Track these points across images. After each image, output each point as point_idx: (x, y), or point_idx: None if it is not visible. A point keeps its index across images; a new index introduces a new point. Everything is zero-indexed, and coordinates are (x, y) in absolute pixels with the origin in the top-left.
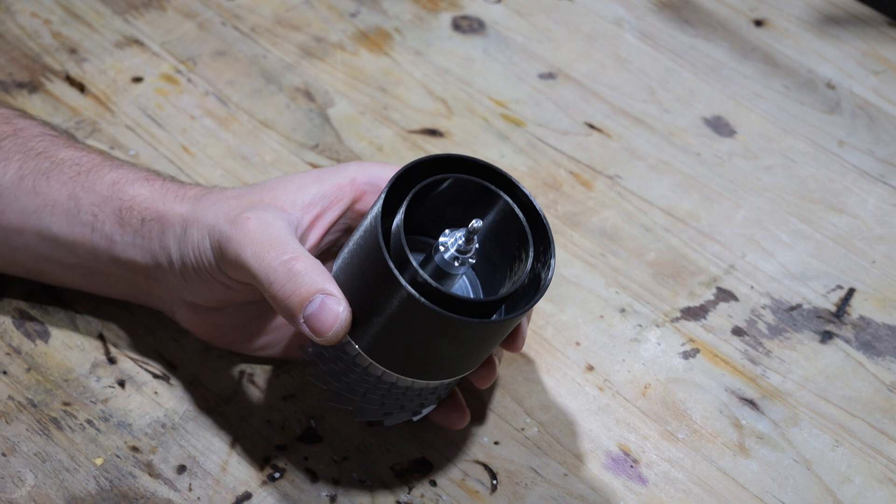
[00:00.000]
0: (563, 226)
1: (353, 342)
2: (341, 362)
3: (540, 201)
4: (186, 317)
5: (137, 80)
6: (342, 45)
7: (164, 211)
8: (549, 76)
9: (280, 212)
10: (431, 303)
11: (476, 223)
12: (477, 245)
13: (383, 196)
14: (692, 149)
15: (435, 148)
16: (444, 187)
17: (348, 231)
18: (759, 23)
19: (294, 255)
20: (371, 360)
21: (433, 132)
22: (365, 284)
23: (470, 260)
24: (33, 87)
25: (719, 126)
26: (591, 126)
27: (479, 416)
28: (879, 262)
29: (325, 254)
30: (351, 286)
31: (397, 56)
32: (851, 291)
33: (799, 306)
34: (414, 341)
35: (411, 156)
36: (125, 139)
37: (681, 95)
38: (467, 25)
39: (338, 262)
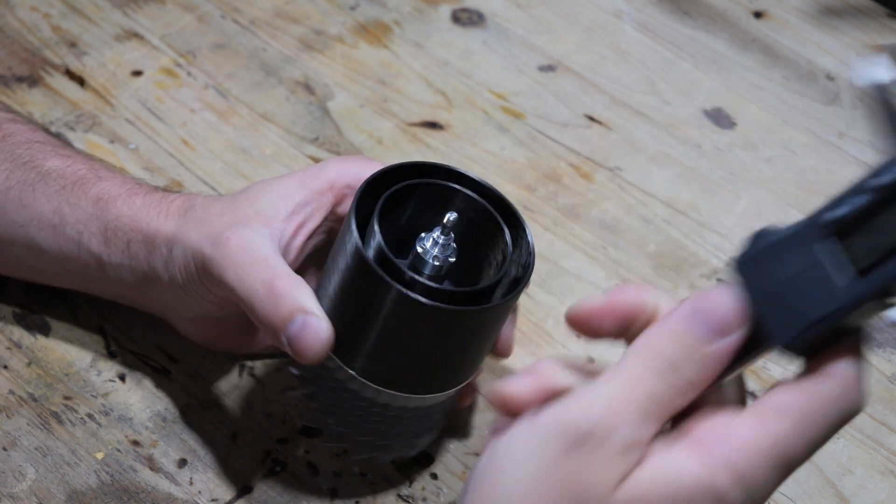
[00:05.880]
0: (563, 218)
1: (341, 364)
2: (331, 392)
3: (540, 193)
4: (183, 326)
5: (137, 73)
6: (342, 38)
7: (148, 231)
8: (549, 68)
9: (262, 226)
10: (421, 296)
11: (451, 216)
12: (454, 244)
13: (355, 207)
14: (692, 140)
15: (435, 141)
16: (410, 199)
17: (331, 234)
18: (758, 14)
19: (275, 275)
20: (362, 380)
21: (433, 125)
22: (351, 296)
23: (450, 259)
24: (33, 80)
25: (719, 117)
26: (591, 118)
27: (480, 409)
28: None
29: (310, 258)
30: (336, 302)
31: (397, 48)
32: None
33: None
34: (405, 347)
35: (411, 148)
36: (125, 132)
37: (681, 87)
38: (467, 17)
39: (321, 281)
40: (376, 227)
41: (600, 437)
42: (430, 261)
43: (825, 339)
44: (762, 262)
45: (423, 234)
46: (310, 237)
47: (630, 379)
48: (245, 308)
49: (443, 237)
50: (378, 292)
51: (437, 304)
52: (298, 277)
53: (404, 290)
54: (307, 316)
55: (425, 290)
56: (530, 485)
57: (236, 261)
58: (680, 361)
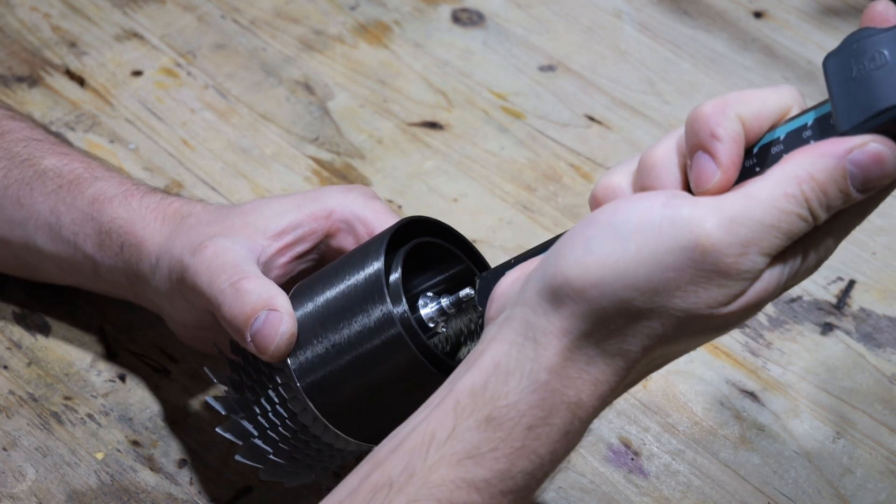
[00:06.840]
0: (563, 218)
1: (294, 377)
2: (266, 402)
3: (540, 193)
4: (177, 330)
5: (137, 73)
6: (342, 38)
7: (142, 237)
8: (549, 68)
9: (244, 239)
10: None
11: (469, 292)
12: (452, 314)
13: (385, 245)
14: None
15: (435, 141)
16: (420, 253)
17: (321, 261)
18: (758, 14)
19: (244, 276)
20: (316, 412)
21: (433, 125)
22: (335, 320)
23: (441, 328)
24: (33, 80)
25: None
26: (591, 118)
27: None
28: (880, 253)
29: (292, 281)
30: (315, 320)
31: (397, 48)
32: (852, 283)
33: (799, 298)
34: (369, 389)
35: (412, 148)
36: (125, 132)
37: (681, 87)
38: (467, 17)
39: (300, 293)
40: (398, 274)
41: (726, 268)
42: (426, 321)
43: (889, 132)
44: (845, 58)
45: (429, 294)
46: (297, 259)
47: (778, 213)
48: (214, 311)
49: (452, 308)
50: (372, 325)
51: (437, 370)
52: (270, 281)
53: (417, 350)
54: (270, 312)
55: (422, 347)
56: (639, 264)
57: (209, 266)
58: (835, 206)
